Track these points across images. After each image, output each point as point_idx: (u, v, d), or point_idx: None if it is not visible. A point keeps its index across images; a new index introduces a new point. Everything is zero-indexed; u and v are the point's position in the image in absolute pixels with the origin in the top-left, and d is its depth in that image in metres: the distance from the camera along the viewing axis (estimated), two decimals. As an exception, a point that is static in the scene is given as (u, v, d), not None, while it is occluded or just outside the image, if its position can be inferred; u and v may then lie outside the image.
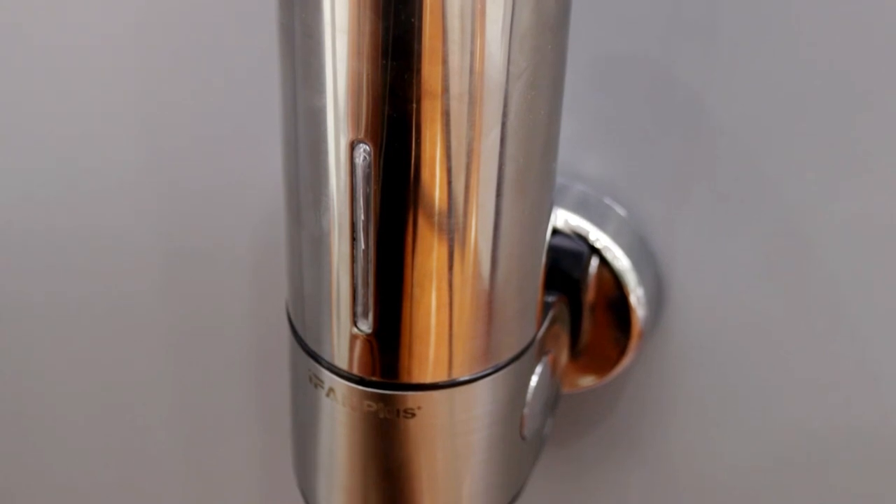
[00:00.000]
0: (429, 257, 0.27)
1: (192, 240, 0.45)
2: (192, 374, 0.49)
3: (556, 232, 0.35)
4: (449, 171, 0.26)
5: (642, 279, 0.36)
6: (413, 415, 0.30)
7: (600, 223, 0.35)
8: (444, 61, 0.24)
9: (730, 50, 0.33)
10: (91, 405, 0.52)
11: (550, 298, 0.34)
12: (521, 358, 0.31)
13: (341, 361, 0.29)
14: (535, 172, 0.28)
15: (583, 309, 0.36)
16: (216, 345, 0.47)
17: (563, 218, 0.35)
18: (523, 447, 0.34)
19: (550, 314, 0.33)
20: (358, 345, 0.29)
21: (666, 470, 0.41)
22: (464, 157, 0.26)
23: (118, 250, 0.46)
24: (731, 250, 0.36)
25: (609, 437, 0.41)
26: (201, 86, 0.41)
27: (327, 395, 0.30)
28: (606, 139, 0.36)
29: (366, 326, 0.28)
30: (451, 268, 0.27)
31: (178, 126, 0.42)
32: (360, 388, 0.29)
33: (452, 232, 0.27)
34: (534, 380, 0.33)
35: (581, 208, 0.36)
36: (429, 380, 0.29)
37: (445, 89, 0.25)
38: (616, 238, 0.35)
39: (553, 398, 0.36)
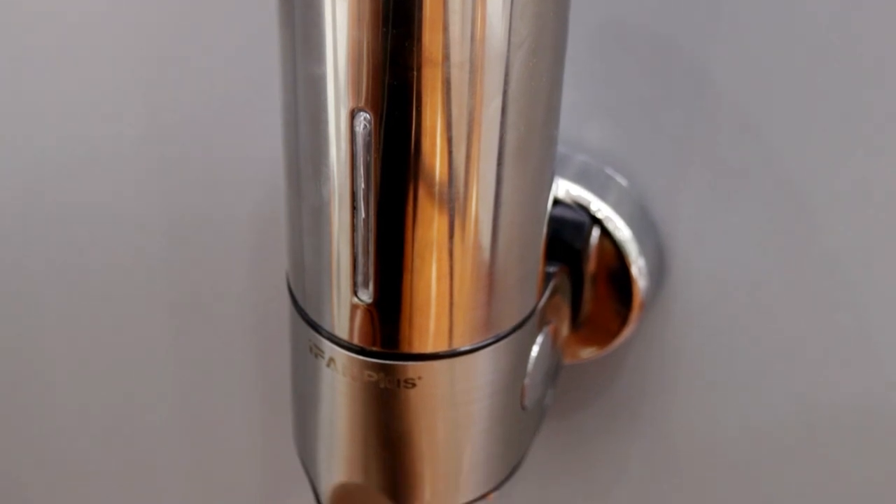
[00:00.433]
0: (429, 226, 0.27)
1: (192, 211, 0.44)
2: (192, 346, 0.49)
3: (557, 202, 0.35)
4: (450, 139, 0.26)
5: (644, 250, 0.35)
6: (414, 385, 0.30)
7: (602, 193, 0.35)
8: (445, 29, 0.24)
9: (733, 19, 0.33)
10: (90, 378, 0.53)
11: (551, 269, 0.34)
12: (522, 328, 0.31)
13: (342, 331, 0.29)
14: (537, 141, 0.28)
15: (584, 280, 0.36)
16: (216, 316, 0.47)
17: (564, 188, 0.35)
18: (524, 418, 0.34)
19: (551, 284, 0.33)
20: (358, 314, 0.29)
21: (666, 440, 0.41)
22: (465, 126, 0.25)
23: (118, 222, 0.46)
24: (733, 221, 0.35)
25: (610, 407, 0.41)
26: (200, 57, 0.40)
27: (328, 365, 0.30)
28: (608, 109, 0.35)
29: (366, 296, 0.28)
30: (451, 237, 0.27)
31: (177, 98, 0.42)
32: (361, 358, 0.29)
33: (453, 201, 0.27)
34: (535, 350, 0.33)
35: (582, 178, 0.36)
36: (429, 350, 0.29)
37: (446, 57, 0.25)
38: (617, 208, 0.35)
39: (554, 369, 0.36)
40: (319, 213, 0.28)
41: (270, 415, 0.49)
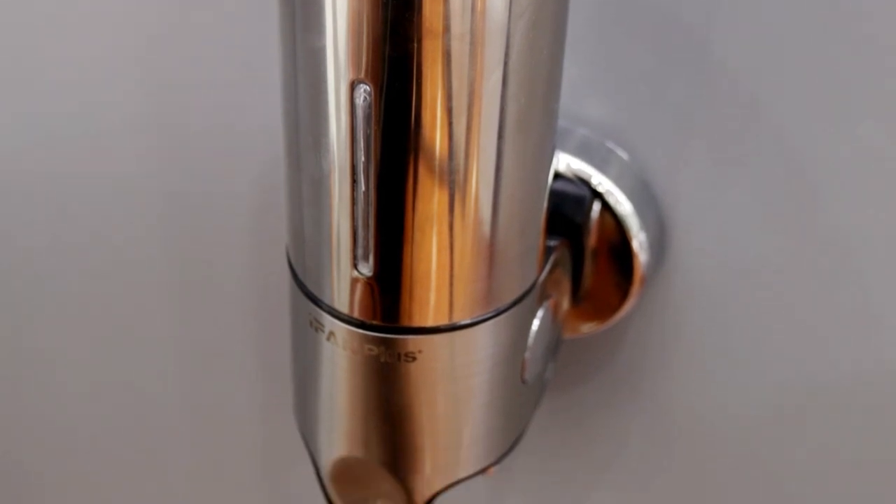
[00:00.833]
0: (430, 199, 0.27)
1: (192, 184, 0.44)
2: (192, 320, 0.49)
3: (558, 176, 0.35)
4: (450, 111, 0.25)
5: (644, 224, 0.35)
6: (414, 359, 0.30)
7: (603, 167, 0.35)
8: (446, 0, 0.24)
9: (735, -9, 0.32)
10: (90, 352, 0.53)
11: (552, 243, 0.34)
12: (523, 302, 0.31)
13: (342, 305, 0.29)
14: (537, 114, 0.27)
15: (585, 254, 0.36)
16: (217, 290, 0.47)
17: (565, 162, 0.35)
18: (524, 392, 0.34)
19: (552, 258, 0.33)
20: (358, 288, 0.29)
21: (666, 415, 0.41)
22: (465, 98, 0.25)
23: (117, 195, 0.46)
24: (734, 194, 0.35)
25: (610, 382, 0.41)
26: (200, 28, 0.40)
27: (328, 339, 0.30)
28: (609, 82, 0.35)
29: (366, 269, 0.28)
30: (452, 210, 0.27)
31: (176, 70, 0.42)
32: (361, 331, 0.29)
33: (453, 173, 0.26)
34: (535, 324, 0.33)
35: (583, 152, 0.35)
36: (430, 323, 0.29)
37: (447, 29, 0.24)
38: (618, 182, 0.35)
39: (554, 343, 0.36)
40: (319, 187, 0.28)
41: (271, 389, 0.49)
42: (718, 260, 0.37)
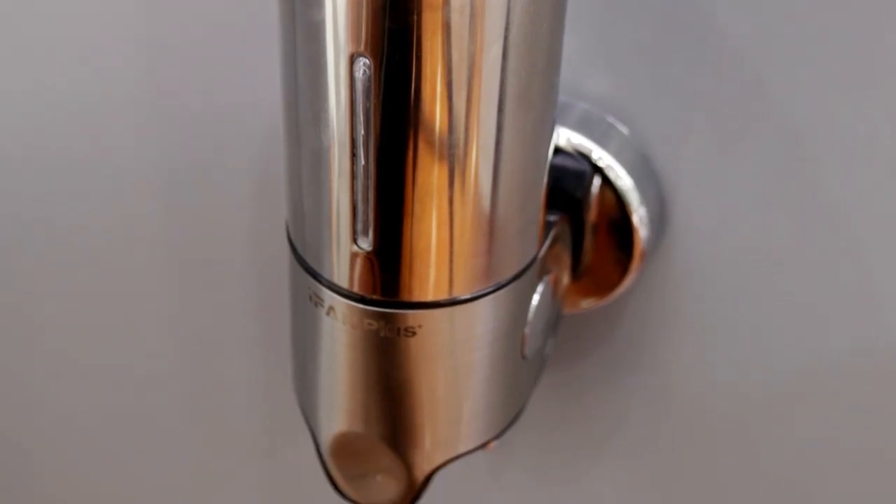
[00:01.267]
0: (429, 173, 0.27)
1: (192, 159, 0.44)
2: (191, 296, 0.49)
3: (558, 151, 0.35)
4: (450, 85, 0.25)
5: (645, 199, 0.35)
6: (414, 333, 0.30)
7: (603, 142, 0.35)
8: None
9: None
10: (90, 329, 0.53)
11: (552, 218, 0.34)
12: (523, 277, 0.31)
13: (341, 280, 0.29)
14: (538, 88, 0.27)
15: (585, 229, 0.36)
16: (216, 265, 0.47)
17: (565, 136, 0.35)
18: (524, 367, 0.34)
19: (552, 234, 0.33)
20: (358, 263, 0.28)
21: (666, 390, 0.41)
22: (465, 71, 0.25)
23: (115, 170, 0.46)
24: (735, 170, 0.35)
25: (610, 357, 0.41)
26: (197, 2, 0.40)
27: (327, 313, 0.30)
28: (610, 56, 0.35)
29: (366, 244, 0.28)
30: (451, 184, 0.27)
31: (175, 44, 0.41)
32: (361, 306, 0.29)
33: (453, 148, 0.26)
34: (535, 299, 0.33)
35: (583, 127, 0.35)
36: (430, 298, 0.29)
37: (446, 1, 0.24)
38: (619, 157, 0.35)
39: (554, 318, 0.36)
40: (319, 161, 0.28)
41: (270, 365, 0.49)
42: (719, 235, 0.37)
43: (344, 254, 0.29)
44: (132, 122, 0.44)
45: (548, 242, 0.33)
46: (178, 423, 0.54)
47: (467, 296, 0.29)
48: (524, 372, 0.34)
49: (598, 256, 0.37)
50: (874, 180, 0.34)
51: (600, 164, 0.35)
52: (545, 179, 0.30)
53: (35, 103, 0.45)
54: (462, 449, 0.33)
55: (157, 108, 0.43)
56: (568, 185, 0.35)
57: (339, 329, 0.30)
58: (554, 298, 0.35)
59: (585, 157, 0.35)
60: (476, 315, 0.30)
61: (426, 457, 0.33)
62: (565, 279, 0.36)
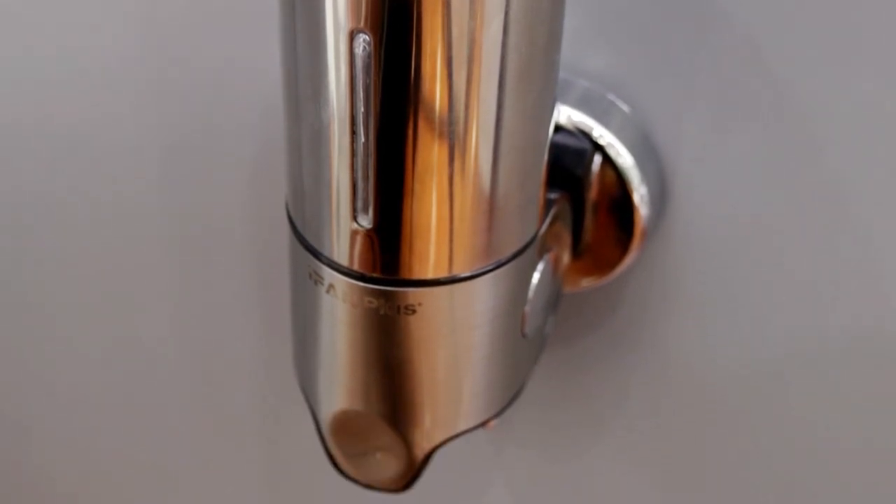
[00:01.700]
0: (429, 151, 0.27)
1: (191, 135, 0.44)
2: (190, 274, 0.49)
3: (558, 128, 0.35)
4: (450, 61, 0.25)
5: (646, 177, 0.35)
6: (414, 311, 0.30)
7: (604, 120, 0.35)
8: None
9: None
10: (89, 304, 0.53)
11: (552, 196, 0.34)
12: (523, 255, 0.31)
13: (341, 257, 0.29)
14: (539, 64, 0.27)
15: (585, 207, 0.36)
16: (215, 243, 0.47)
17: (566, 114, 0.35)
18: (524, 345, 0.34)
19: (552, 212, 0.33)
20: (358, 240, 0.28)
21: (666, 368, 0.41)
22: (465, 47, 0.25)
23: (113, 146, 0.46)
24: (736, 148, 0.35)
25: (610, 336, 0.41)
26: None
27: (327, 291, 0.30)
28: (610, 34, 0.35)
29: (366, 221, 0.28)
30: (451, 162, 0.27)
31: (174, 19, 0.41)
32: (361, 284, 0.29)
33: (453, 125, 0.26)
34: (535, 277, 0.33)
35: (584, 104, 0.35)
36: (430, 276, 0.29)
37: None
38: (620, 135, 0.35)
39: (554, 297, 0.36)
40: (319, 138, 0.28)
41: (270, 343, 0.49)
42: (719, 213, 0.37)
43: (344, 231, 0.29)
44: (131, 98, 0.44)
45: (548, 220, 0.33)
46: (178, 401, 0.54)
47: (467, 273, 0.29)
48: (524, 350, 0.34)
49: (599, 235, 0.37)
50: (875, 158, 0.34)
51: (601, 141, 0.35)
52: (545, 157, 0.30)
53: (32, 75, 0.45)
54: (462, 427, 0.33)
55: (156, 83, 0.43)
56: (568, 163, 0.35)
57: (339, 307, 0.30)
58: (554, 277, 0.35)
59: (586, 135, 0.35)
60: (476, 293, 0.30)
61: (426, 435, 0.33)
62: (566, 257, 0.36)
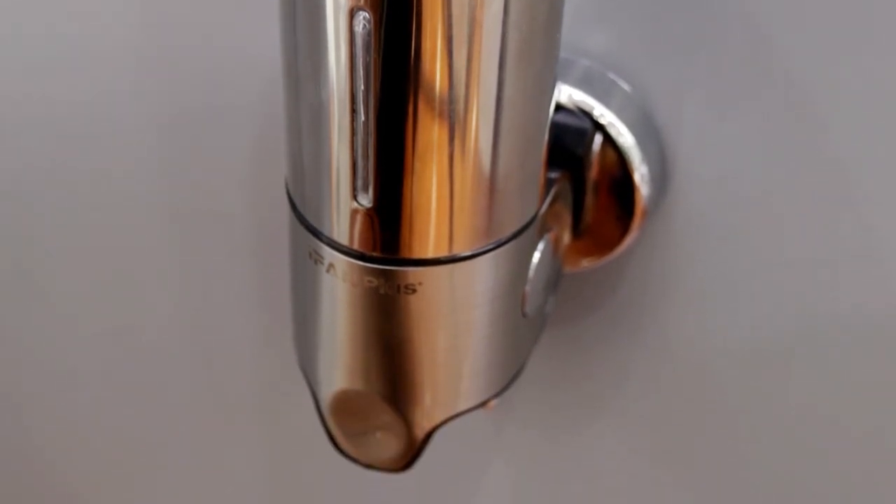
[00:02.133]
0: (430, 129, 0.26)
1: (190, 114, 0.44)
2: (190, 253, 0.49)
3: (559, 108, 0.35)
4: (450, 39, 0.25)
5: (646, 156, 0.35)
6: (414, 291, 0.30)
7: (605, 99, 0.35)
8: None
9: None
10: (89, 282, 0.52)
11: (553, 175, 0.33)
12: (523, 234, 0.31)
13: (341, 237, 0.29)
14: (539, 43, 0.27)
15: (586, 187, 0.36)
16: (215, 223, 0.47)
17: (566, 93, 0.35)
18: (525, 325, 0.34)
19: (553, 191, 0.33)
20: (358, 219, 0.28)
21: (666, 349, 0.41)
22: (466, 25, 0.25)
23: (112, 122, 0.46)
24: (737, 127, 0.35)
25: (610, 317, 0.41)
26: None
27: (327, 271, 0.30)
28: (611, 12, 0.35)
29: (366, 200, 0.28)
30: (452, 141, 0.27)
31: None
32: (361, 263, 0.29)
33: (454, 104, 0.26)
34: (535, 257, 0.33)
35: (585, 83, 0.35)
36: (430, 255, 0.29)
37: None
38: (620, 114, 0.35)
39: (555, 277, 0.36)
40: (318, 117, 0.27)
41: (270, 322, 0.49)
42: (721, 193, 0.36)
43: (344, 210, 0.28)
44: (130, 73, 0.44)
45: (548, 200, 0.33)
46: (177, 379, 0.54)
47: (467, 253, 0.29)
48: (524, 330, 0.34)
49: (599, 214, 0.37)
50: (877, 136, 0.34)
51: (602, 121, 0.35)
52: (546, 136, 0.30)
53: (31, 48, 0.45)
54: (462, 407, 0.33)
55: (155, 61, 0.43)
56: (569, 143, 0.35)
57: (339, 286, 0.30)
58: (554, 256, 0.35)
59: (587, 114, 0.35)
60: (476, 272, 0.30)
61: (426, 414, 0.33)
62: (566, 237, 0.36)
